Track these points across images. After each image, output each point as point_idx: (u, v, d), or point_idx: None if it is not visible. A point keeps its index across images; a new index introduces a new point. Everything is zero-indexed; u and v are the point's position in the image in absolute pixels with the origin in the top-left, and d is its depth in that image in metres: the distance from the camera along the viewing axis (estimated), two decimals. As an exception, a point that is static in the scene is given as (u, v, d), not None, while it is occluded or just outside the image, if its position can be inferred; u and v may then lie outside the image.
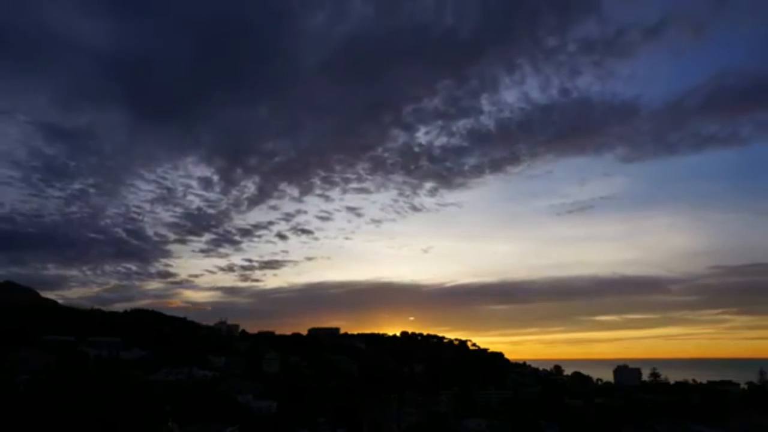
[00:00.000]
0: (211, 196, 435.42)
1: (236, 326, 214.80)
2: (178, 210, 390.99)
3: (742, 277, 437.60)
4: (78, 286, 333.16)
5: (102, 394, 65.11)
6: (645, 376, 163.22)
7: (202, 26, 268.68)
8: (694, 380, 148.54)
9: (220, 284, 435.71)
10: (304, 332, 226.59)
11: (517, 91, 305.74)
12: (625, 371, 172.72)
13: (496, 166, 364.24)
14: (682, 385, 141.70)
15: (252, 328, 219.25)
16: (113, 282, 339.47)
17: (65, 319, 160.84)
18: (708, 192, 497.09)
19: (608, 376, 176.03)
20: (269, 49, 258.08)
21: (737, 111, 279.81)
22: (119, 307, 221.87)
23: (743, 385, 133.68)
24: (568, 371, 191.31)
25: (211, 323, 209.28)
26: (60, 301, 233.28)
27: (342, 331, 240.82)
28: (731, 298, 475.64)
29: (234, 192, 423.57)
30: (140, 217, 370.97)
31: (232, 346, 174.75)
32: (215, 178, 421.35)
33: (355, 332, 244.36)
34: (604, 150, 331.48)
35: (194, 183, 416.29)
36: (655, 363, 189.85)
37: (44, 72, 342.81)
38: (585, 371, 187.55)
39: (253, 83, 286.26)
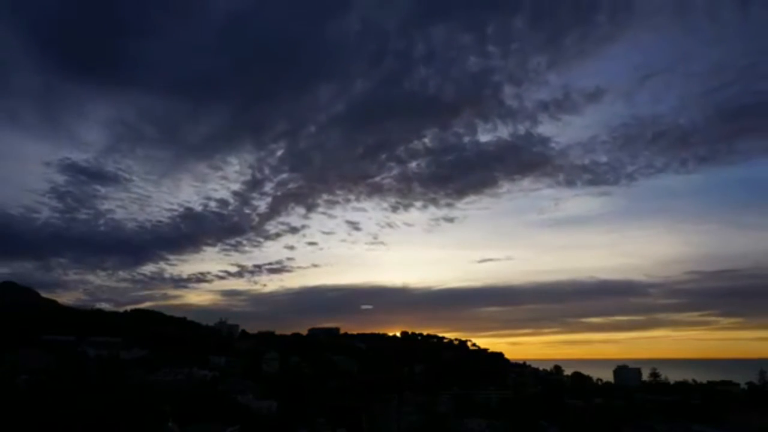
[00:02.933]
0: (226, 212, 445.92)
1: (236, 326, 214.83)
2: (196, 223, 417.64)
3: (716, 282, 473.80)
4: (93, 290, 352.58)
5: (102, 394, 65.14)
6: (645, 376, 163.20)
7: (235, 93, 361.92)
8: (694, 380, 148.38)
9: (230, 288, 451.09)
10: (305, 332, 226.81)
11: (491, 135, 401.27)
12: (625, 371, 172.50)
13: (478, 189, 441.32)
14: (682, 385, 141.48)
15: (255, 329, 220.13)
16: (128, 285, 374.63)
17: (65, 319, 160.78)
18: (678, 208, 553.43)
19: (608, 376, 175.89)
20: (289, 108, 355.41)
21: (679, 149, 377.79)
22: (129, 308, 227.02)
23: (743, 385, 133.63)
24: (567, 371, 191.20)
25: (212, 323, 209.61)
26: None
27: (342, 331, 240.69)
28: (710, 300, 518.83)
29: (247, 210, 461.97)
30: (159, 230, 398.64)
31: (232, 346, 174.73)
32: (232, 199, 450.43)
33: (355, 332, 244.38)
34: (573, 177, 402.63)
35: (213, 204, 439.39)
36: (644, 363, 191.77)
37: (93, 124, 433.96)
38: (584, 371, 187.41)
39: (274, 133, 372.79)
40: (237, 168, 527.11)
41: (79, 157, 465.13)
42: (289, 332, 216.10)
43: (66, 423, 53.52)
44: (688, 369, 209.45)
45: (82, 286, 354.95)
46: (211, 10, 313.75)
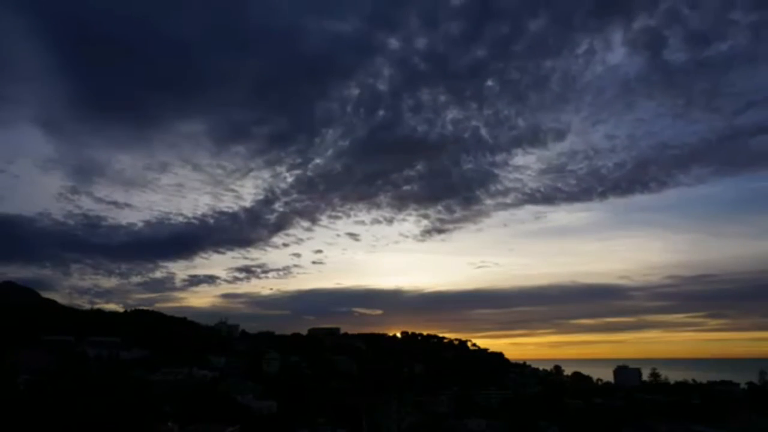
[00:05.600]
0: (237, 225, 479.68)
1: (236, 326, 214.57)
2: (208, 234, 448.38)
3: (695, 286, 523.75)
4: (104, 292, 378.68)
5: (102, 394, 65.15)
6: (645, 376, 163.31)
7: (256, 136, 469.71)
8: (694, 380, 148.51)
9: (232, 291, 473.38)
10: (305, 332, 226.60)
11: (473, 164, 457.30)
12: (625, 371, 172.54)
13: (466, 206, 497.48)
14: (682, 385, 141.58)
15: (255, 330, 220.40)
16: (138, 288, 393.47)
17: (65, 319, 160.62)
18: (652, 220, 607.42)
19: (608, 376, 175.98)
20: (301, 147, 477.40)
21: (639, 174, 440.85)
22: (130, 308, 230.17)
23: (743, 385, 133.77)
24: (567, 371, 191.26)
25: (212, 323, 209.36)
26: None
27: (342, 332, 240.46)
28: (692, 303, 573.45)
29: (256, 223, 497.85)
30: (172, 238, 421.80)
31: (232, 346, 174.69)
32: (243, 214, 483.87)
33: (355, 332, 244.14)
34: (550, 196, 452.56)
35: (225, 218, 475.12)
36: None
37: (127, 158, 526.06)
38: (580, 371, 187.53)
39: (287, 165, 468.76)
40: (251, 191, 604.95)
41: (108, 182, 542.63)
42: (289, 332, 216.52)
43: (66, 423, 53.53)
44: (683, 368, 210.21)
45: (95, 289, 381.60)
46: (243, 75, 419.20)
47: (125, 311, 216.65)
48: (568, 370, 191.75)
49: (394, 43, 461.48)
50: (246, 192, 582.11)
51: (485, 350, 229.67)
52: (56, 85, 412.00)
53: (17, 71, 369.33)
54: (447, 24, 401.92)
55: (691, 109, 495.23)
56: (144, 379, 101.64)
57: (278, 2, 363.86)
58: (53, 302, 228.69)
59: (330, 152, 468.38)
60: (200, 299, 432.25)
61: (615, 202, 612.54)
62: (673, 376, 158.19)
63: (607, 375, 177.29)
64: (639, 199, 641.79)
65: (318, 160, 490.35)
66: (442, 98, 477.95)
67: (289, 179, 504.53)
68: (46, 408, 55.23)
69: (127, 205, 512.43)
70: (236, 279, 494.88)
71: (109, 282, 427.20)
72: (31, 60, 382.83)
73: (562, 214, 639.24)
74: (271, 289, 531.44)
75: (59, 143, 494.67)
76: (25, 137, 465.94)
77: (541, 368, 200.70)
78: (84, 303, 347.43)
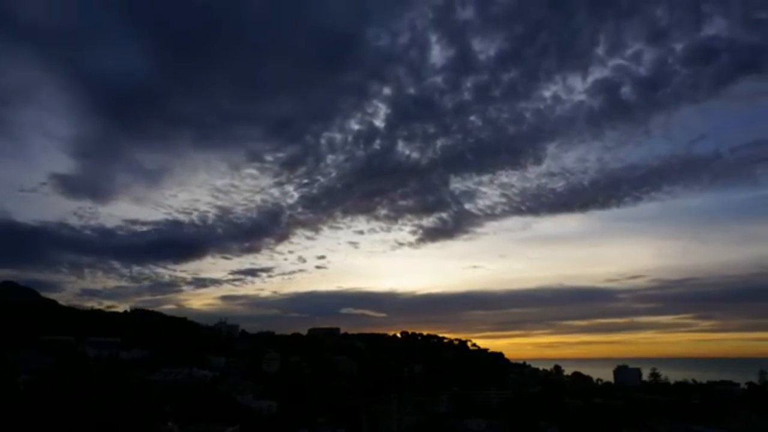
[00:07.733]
0: (243, 234, 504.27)
1: (236, 326, 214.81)
2: (215, 240, 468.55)
3: (679, 289, 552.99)
4: (113, 294, 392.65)
5: (102, 394, 65.06)
6: (645, 376, 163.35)
7: (272, 163, 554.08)
8: (693, 380, 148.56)
9: (233, 293, 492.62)
10: (305, 332, 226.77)
11: (461, 184, 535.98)
12: (625, 371, 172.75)
13: (457, 217, 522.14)
14: (682, 385, 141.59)
15: (255, 330, 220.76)
16: (148, 291, 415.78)
17: (65, 319, 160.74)
18: (632, 229, 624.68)
19: (608, 376, 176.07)
20: (307, 168, 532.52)
21: (613, 190, 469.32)
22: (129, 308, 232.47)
23: (743, 385, 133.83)
24: (567, 371, 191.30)
25: (212, 324, 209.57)
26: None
27: (342, 332, 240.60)
28: (680, 305, 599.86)
29: (261, 232, 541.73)
30: (179, 243, 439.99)
31: (232, 346, 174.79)
32: (250, 224, 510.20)
33: (355, 332, 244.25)
34: (535, 208, 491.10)
35: (232, 226, 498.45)
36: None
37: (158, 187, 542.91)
38: (584, 371, 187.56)
39: (295, 186, 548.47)
40: (260, 205, 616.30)
41: (127, 200, 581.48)
42: (289, 332, 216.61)
43: (66, 423, 53.51)
44: (680, 368, 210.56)
45: (105, 290, 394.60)
46: (261, 116, 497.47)
47: (125, 311, 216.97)
48: (567, 370, 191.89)
49: (387, 90, 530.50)
50: (255, 206, 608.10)
51: (485, 350, 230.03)
52: (88, 123, 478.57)
53: (56, 112, 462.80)
54: (431, 78, 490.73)
55: (651, 138, 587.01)
56: (144, 379, 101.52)
57: (292, 59, 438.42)
58: (53, 302, 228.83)
59: (333, 174, 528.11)
60: (203, 300, 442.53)
61: (596, 213, 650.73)
62: (670, 375, 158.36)
63: (606, 375, 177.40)
64: (617, 211, 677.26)
65: (322, 180, 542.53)
66: (431, 130, 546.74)
67: (296, 196, 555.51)
68: (45, 408, 55.22)
69: (142, 219, 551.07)
70: (242, 283, 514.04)
71: (119, 284, 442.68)
72: (68, 103, 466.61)
73: (547, 224, 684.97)
74: (275, 292, 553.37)
75: (86, 168, 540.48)
76: (56, 163, 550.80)
77: (540, 368, 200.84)
78: (94, 304, 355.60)
